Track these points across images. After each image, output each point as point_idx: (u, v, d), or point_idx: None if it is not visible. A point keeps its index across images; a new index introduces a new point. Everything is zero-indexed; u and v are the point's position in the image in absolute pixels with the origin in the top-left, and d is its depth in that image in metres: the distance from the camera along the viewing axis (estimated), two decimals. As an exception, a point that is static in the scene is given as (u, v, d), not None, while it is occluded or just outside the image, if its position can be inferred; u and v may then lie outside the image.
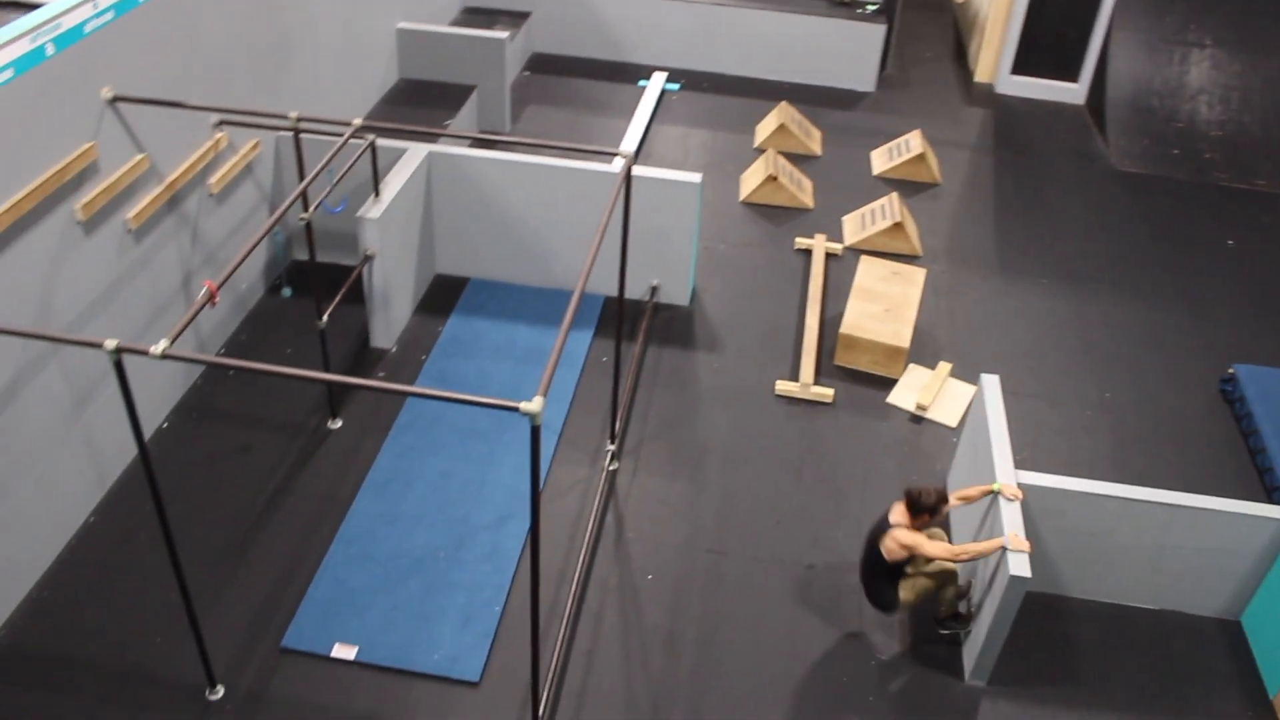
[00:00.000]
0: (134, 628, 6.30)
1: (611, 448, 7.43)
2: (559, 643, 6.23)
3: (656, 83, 12.70)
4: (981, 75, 13.39)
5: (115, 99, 6.70)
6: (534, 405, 4.34)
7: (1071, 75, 12.99)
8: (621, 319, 7.12)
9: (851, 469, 7.56)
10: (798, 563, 6.87)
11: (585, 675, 6.16)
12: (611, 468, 7.41)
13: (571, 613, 6.43)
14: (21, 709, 5.88)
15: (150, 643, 6.23)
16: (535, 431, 4.46)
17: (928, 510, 6.01)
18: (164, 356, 4.70)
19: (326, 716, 5.89)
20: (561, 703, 6.01)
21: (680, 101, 12.48)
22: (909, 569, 6.21)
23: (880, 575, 6.18)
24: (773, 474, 7.50)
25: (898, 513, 6.10)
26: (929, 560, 6.22)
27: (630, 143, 11.15)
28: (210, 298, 5.07)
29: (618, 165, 8.75)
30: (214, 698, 5.96)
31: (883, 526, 6.11)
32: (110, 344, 4.66)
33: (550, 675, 6.05)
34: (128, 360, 4.75)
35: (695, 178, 8.48)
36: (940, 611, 6.40)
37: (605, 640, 6.36)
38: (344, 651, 6.20)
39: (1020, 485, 6.23)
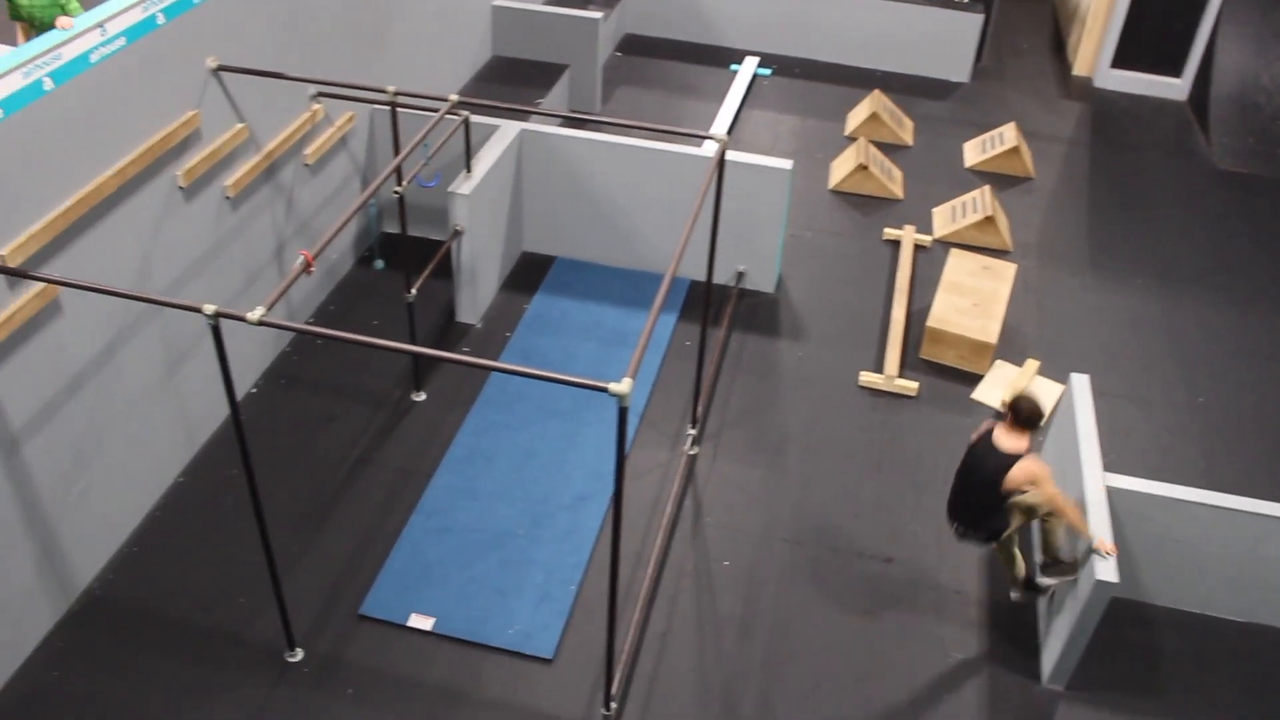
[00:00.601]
0: (218, 587, 6.45)
1: (692, 432, 7.42)
2: (633, 624, 6.25)
3: (749, 67, 12.61)
4: (1080, 68, 13.09)
5: (219, 68, 6.82)
6: (623, 386, 4.34)
7: (1174, 70, 12.66)
8: (709, 304, 7.10)
9: (933, 464, 7.46)
10: (875, 556, 6.81)
11: (658, 658, 6.17)
12: (691, 452, 7.40)
13: (647, 595, 6.45)
14: (108, 660, 6.06)
15: (233, 603, 6.36)
16: (623, 413, 4.46)
17: (1034, 428, 5.89)
18: (260, 323, 4.77)
19: (401, 685, 5.98)
20: (633, 684, 6.03)
21: (772, 87, 12.39)
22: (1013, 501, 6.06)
23: (991, 504, 5.99)
24: (853, 465, 7.43)
25: (1009, 435, 5.92)
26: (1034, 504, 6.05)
27: (721, 127, 11.10)
28: (306, 266, 5.15)
29: (708, 149, 8.71)
30: (293, 660, 6.08)
31: (990, 450, 5.92)
32: (209, 309, 4.75)
33: (623, 656, 6.07)
34: (223, 325, 4.84)
35: (786, 164, 8.41)
36: (1048, 554, 6.27)
37: (679, 624, 6.37)
38: (420, 622, 6.27)
39: (1108, 489, 6.10)
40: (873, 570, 6.73)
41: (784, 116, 11.78)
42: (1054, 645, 6.06)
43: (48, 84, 5.54)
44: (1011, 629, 6.37)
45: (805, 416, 7.81)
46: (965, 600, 6.55)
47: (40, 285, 5.63)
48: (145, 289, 6.50)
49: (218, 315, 4.77)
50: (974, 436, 6.14)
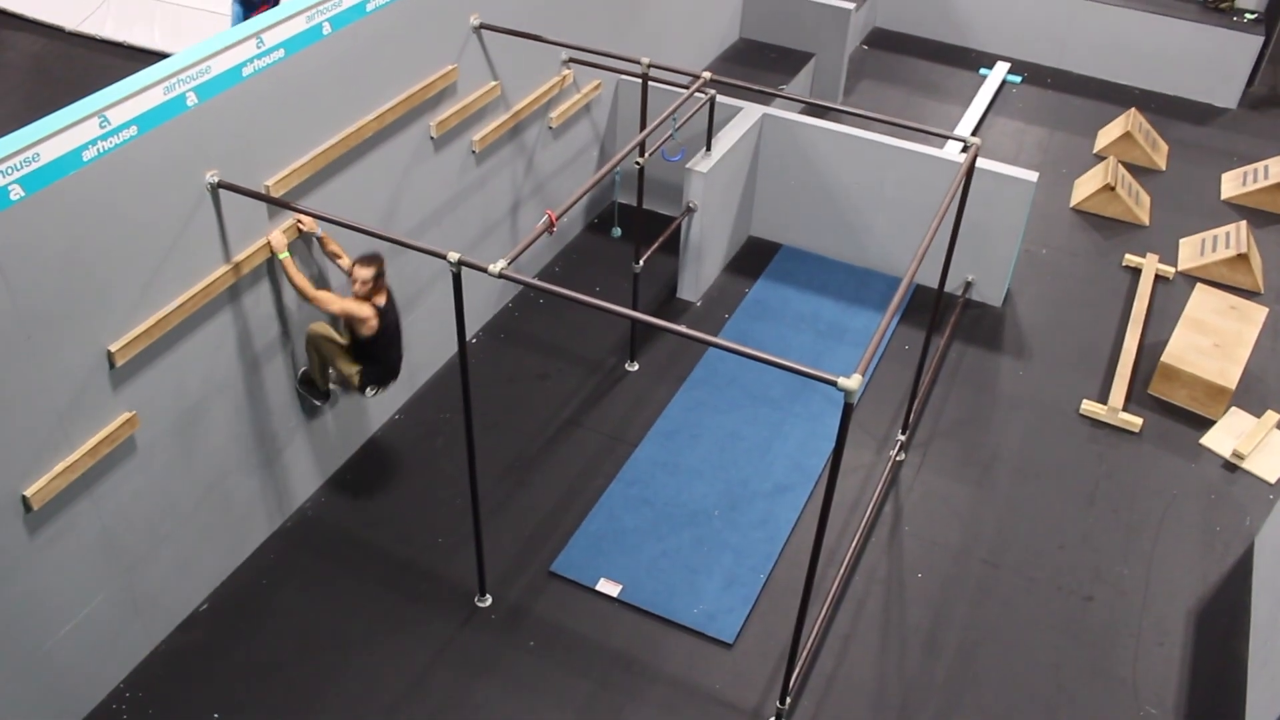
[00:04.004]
0: (419, 524, 6.70)
1: (902, 438, 7.27)
2: (818, 622, 6.19)
3: (998, 73, 12.22)
4: (1363, 107, 12.18)
5: (481, 26, 7.02)
6: (852, 382, 4.28)
7: None
8: (937, 311, 6.94)
9: (1149, 506, 7.11)
10: (1076, 592, 6.54)
11: (839, 660, 6.10)
12: (898, 458, 7.26)
13: (835, 595, 6.37)
14: (313, 577, 6.40)
15: (432, 541, 6.61)
16: (848, 409, 4.40)
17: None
18: (500, 275, 4.91)
19: (582, 645, 6.09)
20: (810, 682, 5.98)
21: (1020, 95, 11.97)
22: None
23: None
24: (1063, 495, 7.15)
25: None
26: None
27: (964, 131, 10.80)
28: (550, 226, 5.26)
29: (950, 151, 8.49)
30: (482, 605, 6.27)
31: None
32: (454, 256, 4.91)
33: (804, 652, 6.02)
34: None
35: (1031, 176, 8.12)
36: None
37: (864, 629, 6.27)
38: (608, 587, 6.37)
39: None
40: (1071, 606, 6.47)
41: (1030, 127, 11.38)
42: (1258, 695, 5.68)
43: (326, 29, 5.82)
44: (1215, 698, 6.02)
45: (1019, 438, 7.55)
46: (1168, 654, 6.23)
47: (297, 217, 5.94)
48: (390, 231, 6.77)
49: (460, 263, 4.92)
50: (374, 318, 6.06)
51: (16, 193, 4.46)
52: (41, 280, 4.68)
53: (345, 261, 6.11)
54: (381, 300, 6.04)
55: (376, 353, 6.21)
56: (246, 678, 5.89)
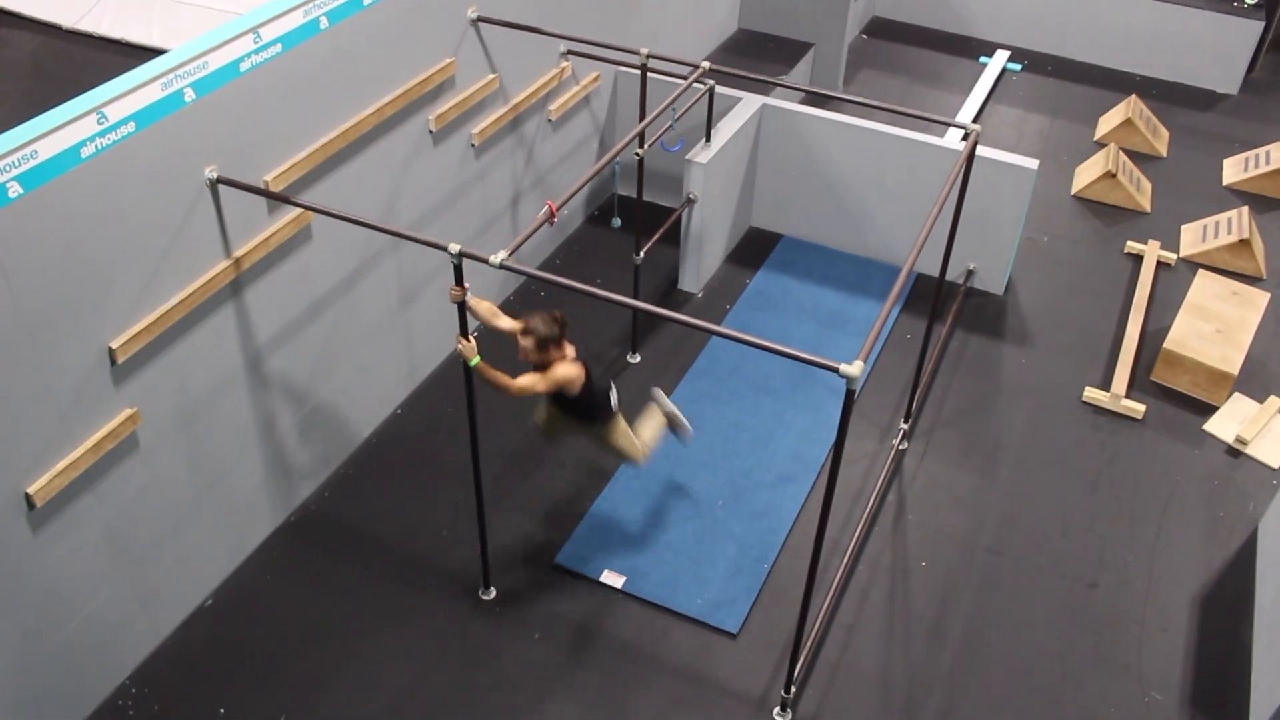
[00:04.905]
0: (423, 517, 6.71)
1: (904, 427, 7.27)
2: (823, 611, 6.19)
3: (998, 61, 12.20)
4: (1365, 91, 12.15)
5: (479, 19, 7.01)
6: (854, 369, 4.28)
7: None
8: (938, 300, 6.93)
9: (1153, 492, 7.11)
10: (1080, 579, 6.54)
11: (843, 648, 6.11)
12: (901, 447, 7.26)
13: (840, 584, 6.37)
14: (317, 571, 6.40)
15: (436, 534, 6.61)
16: (850, 396, 4.39)
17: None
18: (501, 266, 4.91)
19: (587, 636, 6.10)
20: (815, 671, 5.98)
21: (1021, 83, 11.95)
22: None
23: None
24: (1067, 482, 7.15)
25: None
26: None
27: (965, 119, 10.78)
28: (550, 217, 5.26)
29: (950, 139, 8.48)
30: (486, 597, 6.28)
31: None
32: (454, 247, 4.91)
33: (809, 641, 6.02)
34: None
35: (1032, 163, 8.11)
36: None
37: (868, 618, 6.28)
38: (612, 579, 6.37)
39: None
40: (1076, 593, 6.47)
41: (1030, 115, 11.36)
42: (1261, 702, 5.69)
43: (324, 23, 5.82)
44: (1219, 684, 6.02)
45: (1022, 426, 7.54)
46: (1171, 641, 6.22)
47: (296, 211, 5.94)
48: (390, 224, 6.77)
49: (461, 255, 4.92)
50: (579, 378, 5.77)
51: (15, 190, 4.45)
52: (42, 277, 4.68)
53: (505, 323, 5.76)
54: (571, 352, 5.76)
55: (591, 399, 5.90)
56: (252, 672, 5.89)
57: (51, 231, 4.66)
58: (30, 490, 4.87)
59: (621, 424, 6.15)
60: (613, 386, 6.12)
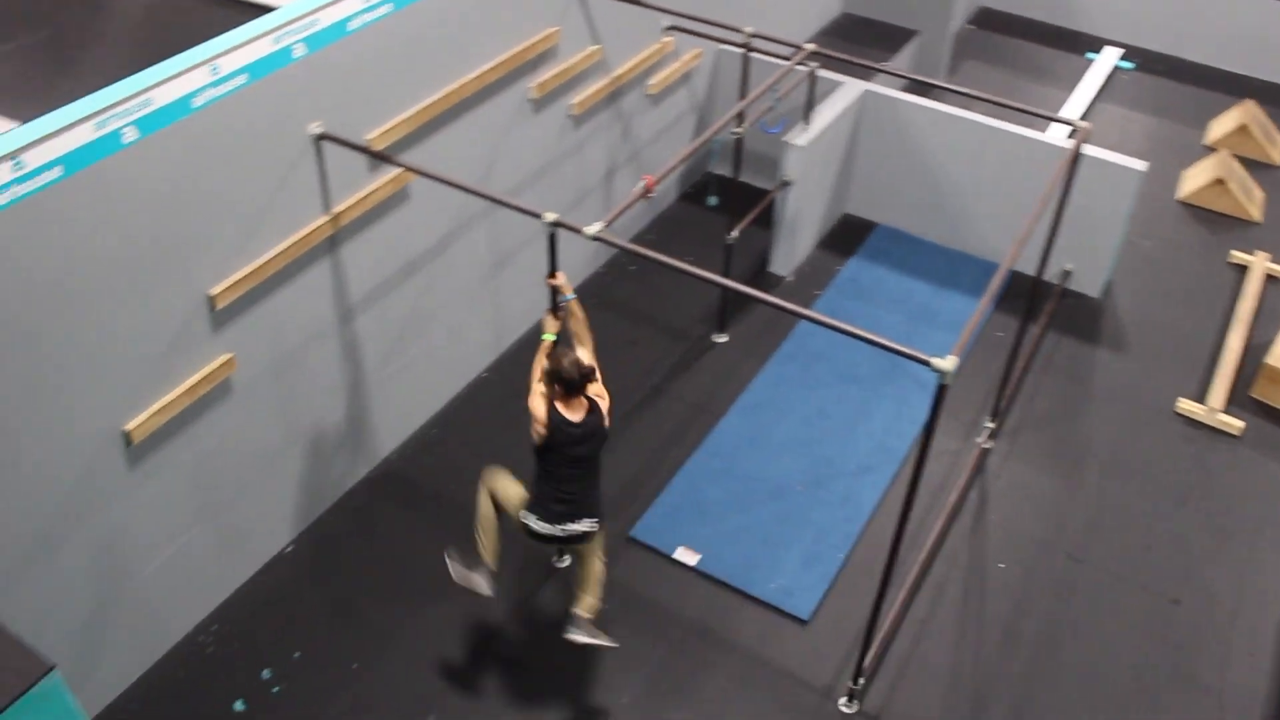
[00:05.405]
0: (503, 482, 6.75)
1: (990, 425, 7.15)
2: (896, 604, 6.13)
3: (1108, 57, 11.90)
4: None
5: (585, -11, 7.01)
6: (947, 363, 4.22)
7: None
8: (1034, 299, 6.80)
9: (1245, 512, 6.91)
10: (1162, 594, 6.39)
11: (914, 643, 6.04)
12: (986, 445, 7.14)
13: (915, 579, 6.30)
14: (394, 525, 6.51)
15: (514, 500, 6.65)
16: (942, 390, 4.34)
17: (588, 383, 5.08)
18: (595, 238, 4.91)
19: (657, 611, 6.11)
20: (885, 664, 5.93)
21: (1130, 81, 11.64)
22: None
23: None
24: (1154, 494, 6.98)
25: (573, 404, 5.09)
26: None
27: (1071, 116, 10.53)
28: (647, 191, 5.25)
29: (1053, 135, 8.30)
30: (560, 565, 6.31)
31: (585, 421, 5.08)
32: (550, 216, 4.93)
33: (880, 634, 5.97)
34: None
35: (1139, 164, 7.91)
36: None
37: (941, 615, 6.20)
38: (686, 556, 6.37)
39: None
40: (1157, 607, 6.32)
41: (1138, 115, 11.07)
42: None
43: (435, -16, 5.85)
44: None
45: (1112, 433, 7.38)
46: (1258, 664, 6.05)
47: (395, 171, 5.99)
48: (486, 189, 6.82)
49: (556, 224, 4.93)
50: (543, 424, 5.02)
51: (130, 135, 4.55)
52: (150, 222, 4.78)
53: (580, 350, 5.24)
54: (575, 412, 5.06)
55: (541, 468, 5.20)
56: (327, 619, 6.01)
57: (161, 178, 4.76)
58: (128, 428, 5.00)
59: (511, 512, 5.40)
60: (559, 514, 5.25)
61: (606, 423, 5.14)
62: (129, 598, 5.44)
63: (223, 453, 5.65)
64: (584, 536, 5.30)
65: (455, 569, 5.53)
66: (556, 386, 4.98)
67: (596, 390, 5.12)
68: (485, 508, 5.50)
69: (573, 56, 7.19)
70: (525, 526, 5.25)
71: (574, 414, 5.03)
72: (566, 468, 5.11)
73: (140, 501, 5.26)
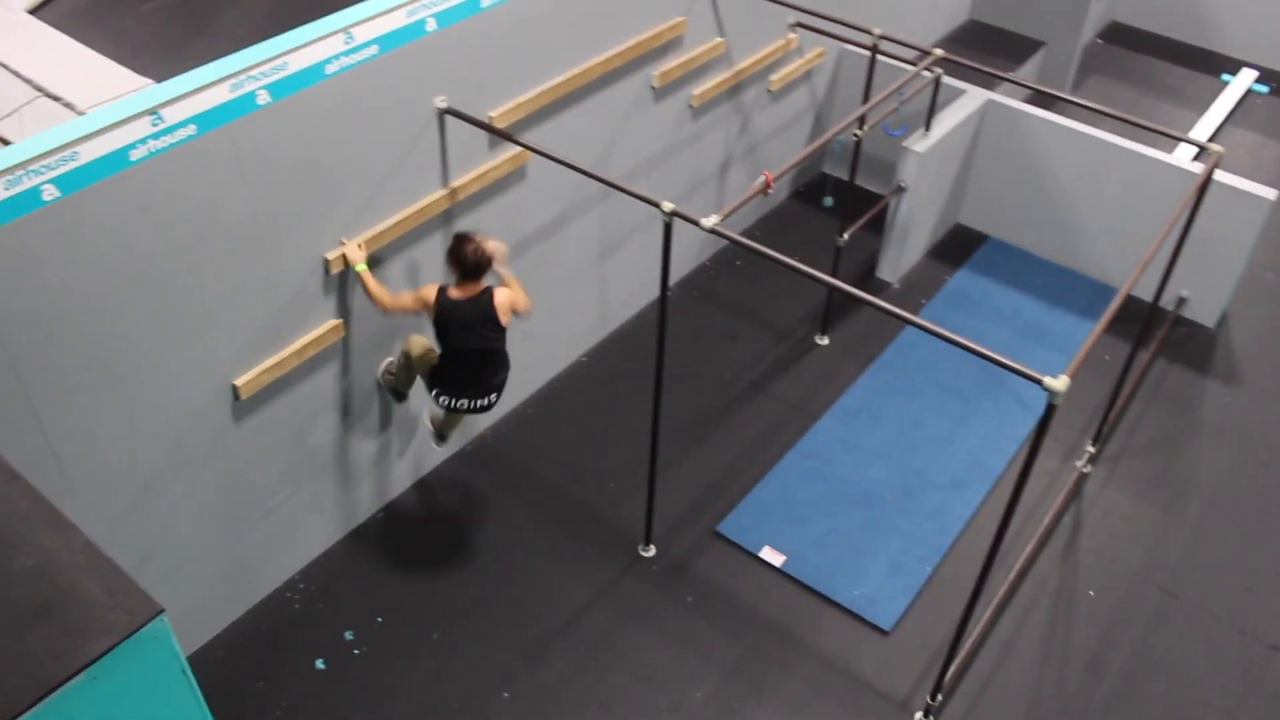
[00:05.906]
0: (593, 466, 6.80)
1: (1091, 449, 7.00)
2: (981, 623, 6.04)
3: (1243, 80, 11.53)
4: None
5: (715, -20, 6.99)
6: (1059, 383, 4.14)
7: None
8: (1148, 324, 6.63)
9: (1353, 559, 6.69)
10: (1261, 639, 6.20)
11: (996, 664, 5.95)
12: (1085, 469, 7.00)
13: (1001, 600, 6.20)
14: (484, 500, 6.59)
15: (604, 485, 6.69)
16: (1051, 409, 4.26)
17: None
18: (711, 230, 4.91)
19: (738, 608, 6.10)
20: (964, 683, 5.85)
21: (1265, 106, 11.27)
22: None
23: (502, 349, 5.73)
24: (1259, 534, 6.77)
25: (467, 287, 5.46)
26: None
27: (1200, 138, 10.22)
28: (766, 187, 5.23)
29: (1179, 157, 8.07)
30: (646, 554, 6.33)
31: (474, 304, 5.43)
32: (668, 205, 4.93)
33: (962, 652, 5.89)
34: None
35: (1270, 193, 7.66)
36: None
37: (1026, 638, 6.10)
38: (772, 556, 6.35)
39: None
40: (1253, 653, 6.14)
41: (1271, 141, 10.71)
42: None
43: (568, -34, 5.88)
44: None
45: (1218, 467, 7.18)
46: (1356, 716, 5.87)
47: (514, 150, 6.05)
48: (603, 174, 6.85)
49: (673, 214, 4.94)
50: (424, 304, 5.43)
51: (263, 98, 4.65)
52: (275, 185, 4.89)
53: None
54: (460, 291, 5.43)
55: (443, 346, 5.59)
56: (411, 587, 6.11)
57: (288, 142, 4.86)
58: (238, 382, 5.13)
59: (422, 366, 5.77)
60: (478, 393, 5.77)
61: (501, 315, 5.47)
62: (224, 548, 5.59)
63: (324, 417, 5.77)
64: (485, 408, 5.80)
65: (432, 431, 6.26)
66: (455, 269, 5.37)
67: (509, 296, 5.53)
68: (402, 363, 5.87)
69: (697, 48, 7.18)
70: (434, 398, 5.76)
71: (463, 295, 5.41)
72: (465, 349, 5.52)
73: (244, 456, 5.40)
